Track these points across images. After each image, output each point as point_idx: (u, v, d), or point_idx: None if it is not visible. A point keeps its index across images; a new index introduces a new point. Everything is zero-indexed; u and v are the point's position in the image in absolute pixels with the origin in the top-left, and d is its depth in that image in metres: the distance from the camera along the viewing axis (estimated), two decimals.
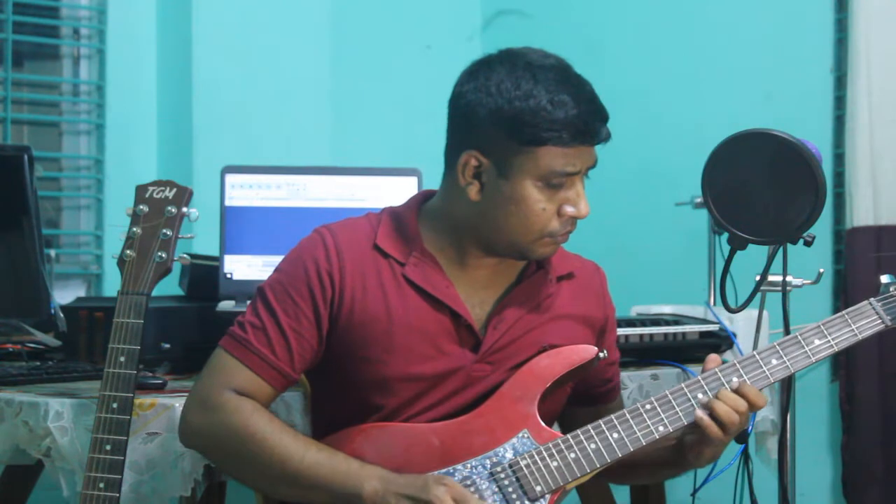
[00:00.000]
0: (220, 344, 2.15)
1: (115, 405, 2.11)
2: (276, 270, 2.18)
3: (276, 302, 2.13)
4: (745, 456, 2.97)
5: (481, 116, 2.08)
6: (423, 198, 2.23)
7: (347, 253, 2.14)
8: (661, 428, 2.13)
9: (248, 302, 2.21)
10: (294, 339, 2.12)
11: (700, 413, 2.11)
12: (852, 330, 2.18)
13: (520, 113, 2.05)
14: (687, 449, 2.17)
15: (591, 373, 2.26)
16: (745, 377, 2.14)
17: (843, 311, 2.19)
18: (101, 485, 2.10)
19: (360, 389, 2.14)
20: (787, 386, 2.70)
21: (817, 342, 2.17)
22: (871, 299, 2.19)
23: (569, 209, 2.10)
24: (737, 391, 2.12)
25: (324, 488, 2.06)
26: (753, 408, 2.12)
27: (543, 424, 2.13)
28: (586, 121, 2.06)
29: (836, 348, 2.17)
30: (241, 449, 2.08)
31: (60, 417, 2.35)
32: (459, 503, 2.01)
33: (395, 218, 2.20)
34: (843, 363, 3.68)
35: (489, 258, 2.17)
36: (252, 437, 2.07)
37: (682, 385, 2.15)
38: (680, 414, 2.13)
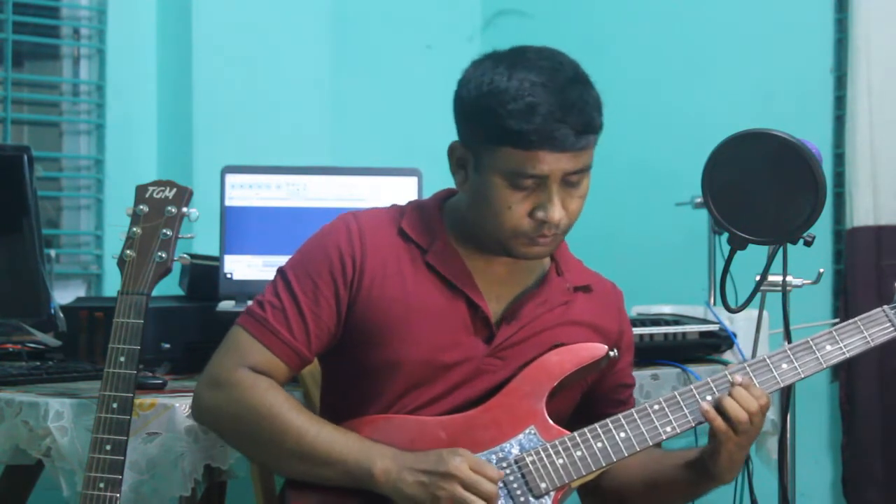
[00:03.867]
0: (237, 322, 2.16)
1: (115, 405, 2.11)
2: (298, 252, 2.19)
3: (297, 283, 2.14)
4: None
5: (458, 108, 2.12)
6: (448, 194, 2.25)
7: (370, 237, 2.15)
8: (668, 428, 2.13)
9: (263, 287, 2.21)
10: (312, 321, 2.12)
11: (706, 406, 2.11)
12: (865, 337, 2.18)
13: (482, 109, 2.06)
14: (707, 458, 2.16)
15: (604, 388, 2.28)
16: (755, 381, 2.14)
17: (857, 318, 2.19)
18: (101, 485, 2.10)
19: (371, 372, 2.15)
20: (787, 387, 2.69)
21: (829, 348, 2.17)
22: (885, 307, 2.19)
23: (539, 213, 2.07)
24: (745, 387, 2.11)
25: (336, 464, 2.07)
26: (757, 406, 2.11)
27: (551, 422, 2.13)
28: (551, 128, 2.02)
29: (847, 355, 2.17)
30: (256, 425, 2.09)
31: (60, 417, 2.35)
32: (477, 472, 2.03)
33: (420, 208, 2.22)
34: (844, 363, 3.67)
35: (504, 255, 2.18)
36: (268, 412, 2.08)
37: (692, 386, 2.15)
38: (688, 415, 2.13)
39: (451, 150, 2.14)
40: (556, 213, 2.06)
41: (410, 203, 2.24)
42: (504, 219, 2.08)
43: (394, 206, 2.24)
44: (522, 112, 2.02)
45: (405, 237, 2.17)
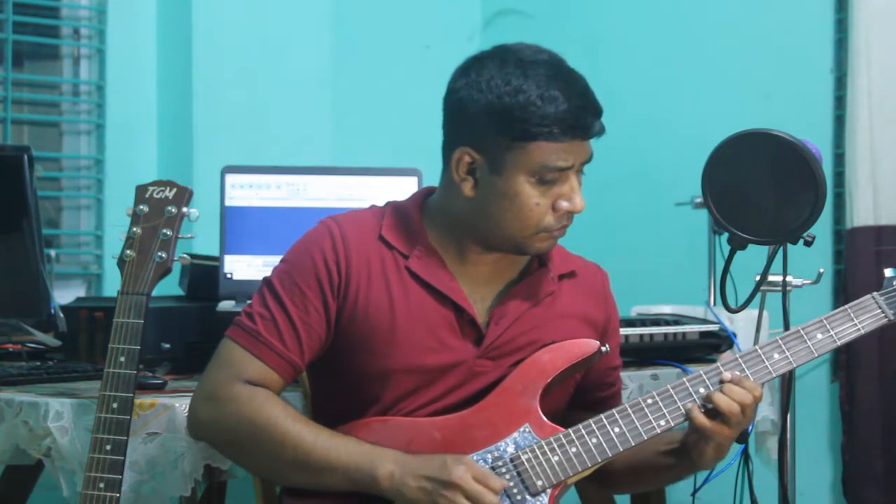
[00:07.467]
0: (228, 335, 2.15)
1: (115, 405, 2.11)
2: (283, 261, 2.18)
3: (285, 292, 2.13)
4: (745, 456, 2.97)
5: (472, 113, 2.09)
6: (426, 193, 2.24)
7: (354, 243, 2.15)
8: (662, 422, 2.13)
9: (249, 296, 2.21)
10: (303, 329, 2.12)
11: (689, 405, 2.11)
12: (855, 324, 2.18)
13: (510, 108, 2.06)
14: (690, 448, 2.17)
15: (594, 375, 2.28)
16: (748, 372, 2.14)
17: (846, 306, 2.19)
18: (101, 485, 2.10)
19: (362, 381, 2.15)
20: (787, 386, 2.70)
21: (820, 336, 2.17)
22: (874, 293, 2.19)
23: (563, 204, 2.10)
24: (736, 382, 2.12)
25: (338, 471, 2.07)
26: (751, 398, 2.11)
27: (545, 419, 2.13)
28: (577, 116, 2.07)
29: (838, 343, 2.17)
30: (255, 437, 2.09)
31: (60, 417, 2.35)
32: (480, 482, 2.02)
33: (399, 212, 2.21)
34: (844, 363, 3.68)
35: (489, 254, 2.18)
36: (266, 424, 2.08)
37: (684, 379, 2.15)
38: (681, 408, 2.13)
39: (458, 159, 2.11)
40: (580, 202, 2.11)
41: (389, 205, 2.23)
42: (531, 216, 2.09)
43: (373, 208, 2.23)
44: (552, 105, 2.05)
45: (386, 244, 2.16)
